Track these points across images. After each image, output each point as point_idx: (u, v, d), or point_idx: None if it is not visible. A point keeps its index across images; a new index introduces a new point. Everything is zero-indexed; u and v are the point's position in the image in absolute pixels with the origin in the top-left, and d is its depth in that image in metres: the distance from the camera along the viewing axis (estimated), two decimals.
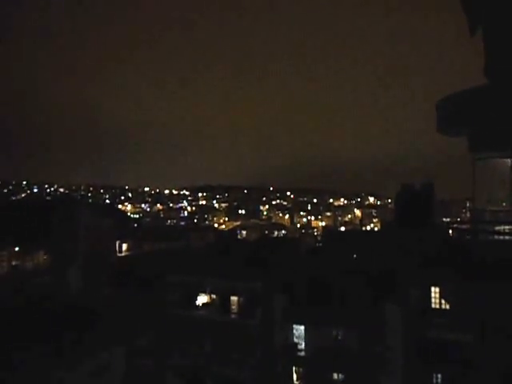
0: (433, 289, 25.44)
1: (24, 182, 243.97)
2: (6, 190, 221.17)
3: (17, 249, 73.53)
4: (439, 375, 25.14)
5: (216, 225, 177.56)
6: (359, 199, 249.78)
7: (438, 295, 25.40)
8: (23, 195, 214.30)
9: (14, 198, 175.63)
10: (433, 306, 25.41)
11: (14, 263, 73.56)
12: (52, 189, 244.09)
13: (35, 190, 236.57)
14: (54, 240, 69.39)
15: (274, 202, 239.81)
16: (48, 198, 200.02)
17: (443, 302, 25.24)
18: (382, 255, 30.80)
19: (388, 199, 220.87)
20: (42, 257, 74.71)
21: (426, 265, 26.48)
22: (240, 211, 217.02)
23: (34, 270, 68.12)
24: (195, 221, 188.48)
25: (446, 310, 25.10)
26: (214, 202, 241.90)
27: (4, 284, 50.40)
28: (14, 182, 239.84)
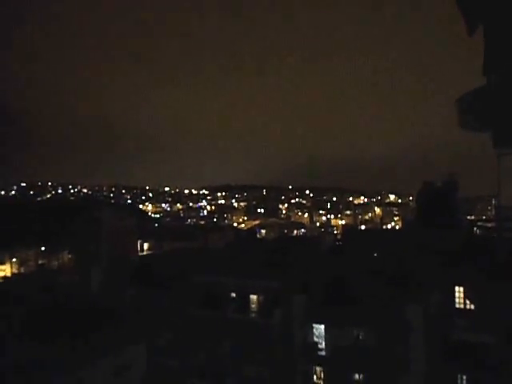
0: (457, 288, 24.83)
1: (49, 184, 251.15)
2: (31, 192, 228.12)
3: (43, 248, 75.89)
4: (464, 377, 24.52)
5: (235, 224, 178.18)
6: (379, 197, 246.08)
7: (462, 295, 24.77)
8: (48, 196, 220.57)
9: (39, 199, 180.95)
10: (457, 306, 24.80)
11: (40, 262, 75.94)
12: (75, 190, 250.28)
13: (59, 191, 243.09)
14: (77, 240, 71.27)
15: (293, 201, 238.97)
16: (72, 198, 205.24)
17: (467, 302, 24.60)
18: (404, 254, 30.24)
19: (409, 197, 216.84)
20: (66, 256, 76.89)
21: (450, 264, 25.86)
22: (259, 210, 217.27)
23: (59, 269, 70.10)
24: (214, 220, 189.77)
25: (470, 310, 24.45)
26: (233, 201, 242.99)
27: (31, 282, 52.04)
28: (39, 184, 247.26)
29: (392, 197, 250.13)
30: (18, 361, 20.40)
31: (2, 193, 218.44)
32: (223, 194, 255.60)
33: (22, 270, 71.18)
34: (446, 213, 41.84)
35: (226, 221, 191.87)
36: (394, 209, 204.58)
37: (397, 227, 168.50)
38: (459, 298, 24.82)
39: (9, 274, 68.68)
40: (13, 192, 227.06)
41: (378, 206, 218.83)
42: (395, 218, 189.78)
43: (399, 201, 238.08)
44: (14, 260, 71.79)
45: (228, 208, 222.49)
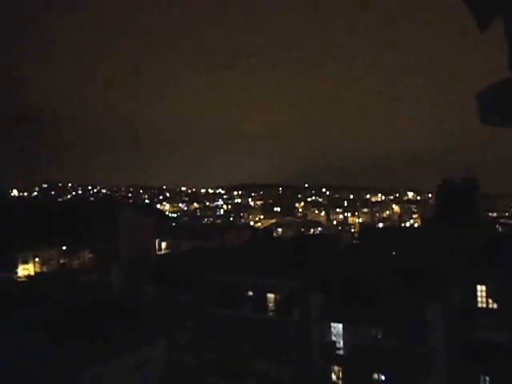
0: (479, 287, 24.30)
1: (69, 185, 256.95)
2: (52, 192, 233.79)
3: (64, 248, 77.72)
4: (487, 378, 23.99)
5: (251, 223, 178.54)
6: (397, 194, 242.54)
7: (484, 294, 24.22)
8: (69, 196, 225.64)
9: (60, 200, 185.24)
10: (479, 305, 24.27)
11: (61, 261, 77.80)
12: (95, 190, 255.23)
13: (79, 192, 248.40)
14: (98, 239, 72.73)
15: (309, 199, 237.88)
16: (91, 199, 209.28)
17: (490, 301, 24.05)
18: (423, 252, 29.75)
19: (428, 194, 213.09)
20: (87, 255, 78.58)
21: (471, 262, 25.32)
22: (275, 209, 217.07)
23: (80, 268, 71.67)
24: (231, 219, 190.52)
25: (493, 309, 23.90)
26: (250, 200, 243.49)
27: (53, 281, 53.39)
28: (60, 184, 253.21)
29: (410, 194, 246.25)
30: (41, 358, 20.97)
31: (25, 194, 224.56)
32: (239, 192, 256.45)
33: (45, 269, 73.07)
34: (467, 210, 40.96)
35: (243, 220, 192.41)
36: (413, 206, 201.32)
37: (415, 225, 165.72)
38: (481, 297, 24.30)
39: (32, 273, 70.60)
40: (35, 193, 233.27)
41: (396, 204, 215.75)
42: (414, 216, 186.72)
43: (418, 198, 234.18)
44: (37, 259, 73.76)
45: (244, 207, 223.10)
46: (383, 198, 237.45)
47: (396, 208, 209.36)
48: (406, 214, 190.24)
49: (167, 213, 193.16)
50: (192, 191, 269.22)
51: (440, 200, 46.51)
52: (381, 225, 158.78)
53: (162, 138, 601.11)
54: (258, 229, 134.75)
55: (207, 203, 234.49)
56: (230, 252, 43.88)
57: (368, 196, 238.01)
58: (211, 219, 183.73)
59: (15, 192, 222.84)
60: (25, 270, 71.19)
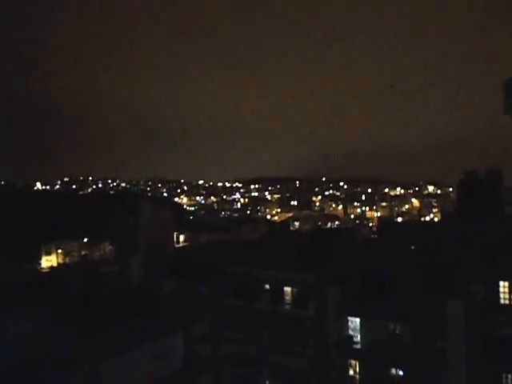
0: (501, 283, 23.71)
1: (90, 178, 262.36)
2: (74, 186, 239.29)
3: (85, 240, 79.68)
4: (510, 376, 23.49)
5: (268, 216, 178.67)
6: (417, 188, 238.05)
7: (507, 290, 23.63)
8: (89, 190, 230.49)
9: (81, 193, 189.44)
10: (501, 301, 23.70)
11: (83, 253, 79.87)
12: (114, 184, 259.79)
13: (100, 185, 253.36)
14: (118, 232, 74.17)
15: (326, 193, 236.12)
16: (111, 192, 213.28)
17: None
18: (443, 247, 29.19)
19: (449, 188, 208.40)
20: (107, 247, 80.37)
21: (494, 257, 24.70)
22: (292, 202, 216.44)
23: (101, 259, 73.36)
24: (248, 212, 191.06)
25: None
26: (267, 193, 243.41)
27: (75, 272, 54.85)
28: (81, 178, 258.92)
29: (431, 188, 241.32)
30: (64, 345, 21.64)
31: (48, 187, 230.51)
32: (256, 186, 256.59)
33: (67, 260, 75.10)
34: (490, 204, 39.89)
35: (260, 213, 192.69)
36: (433, 200, 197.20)
37: (436, 219, 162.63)
38: (504, 293, 23.70)
39: (55, 265, 72.66)
40: (57, 186, 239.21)
41: (415, 198, 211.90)
42: (434, 210, 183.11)
43: (438, 192, 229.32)
44: (60, 251, 75.82)
45: (261, 200, 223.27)
46: (402, 191, 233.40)
47: (415, 202, 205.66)
48: (425, 208, 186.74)
49: (185, 206, 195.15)
50: (209, 185, 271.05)
51: (462, 194, 45.37)
52: (400, 219, 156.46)
53: (180, 133, 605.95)
54: (274, 222, 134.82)
55: (224, 197, 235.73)
56: (247, 245, 44.07)
57: (387, 190, 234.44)
58: (228, 213, 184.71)
59: (38, 185, 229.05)
60: (48, 262, 73.30)
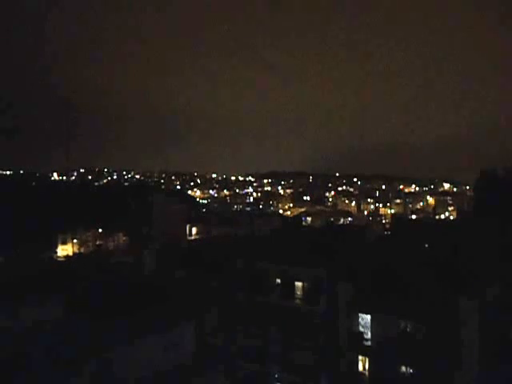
0: None
1: (105, 170, 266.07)
2: (90, 177, 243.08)
3: (100, 230, 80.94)
4: None
5: (281, 211, 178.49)
6: (432, 186, 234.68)
7: None
8: (105, 181, 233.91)
9: (97, 184, 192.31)
10: None
11: (98, 243, 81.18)
12: (129, 175, 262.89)
13: (115, 177, 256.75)
14: (132, 223, 75.19)
15: (339, 189, 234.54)
16: (126, 183, 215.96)
17: None
18: (458, 246, 28.80)
19: (466, 186, 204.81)
20: (121, 238, 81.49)
21: (510, 257, 24.29)
22: (305, 198, 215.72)
23: (115, 249, 74.52)
24: (260, 207, 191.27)
25: None
26: (280, 188, 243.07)
27: (89, 261, 55.90)
28: (96, 170, 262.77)
29: (446, 185, 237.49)
30: (77, 335, 22.16)
31: (64, 178, 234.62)
32: (269, 180, 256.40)
33: (82, 250, 76.52)
34: (507, 203, 39.12)
35: (272, 208, 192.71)
36: (449, 198, 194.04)
37: (451, 218, 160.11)
38: None
39: (70, 254, 74.11)
40: (73, 177, 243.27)
41: (430, 195, 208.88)
42: (449, 209, 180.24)
43: (454, 190, 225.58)
44: (75, 241, 77.27)
45: (274, 195, 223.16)
46: (417, 188, 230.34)
47: (430, 200, 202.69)
48: (440, 206, 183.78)
49: (198, 199, 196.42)
50: (222, 178, 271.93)
51: (479, 192, 44.58)
52: (414, 217, 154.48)
53: (194, 126, 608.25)
54: (287, 217, 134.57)
55: (237, 190, 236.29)
56: (260, 239, 44.20)
57: (401, 186, 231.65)
58: (241, 206, 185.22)
59: (55, 176, 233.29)
60: (64, 251, 74.82)
